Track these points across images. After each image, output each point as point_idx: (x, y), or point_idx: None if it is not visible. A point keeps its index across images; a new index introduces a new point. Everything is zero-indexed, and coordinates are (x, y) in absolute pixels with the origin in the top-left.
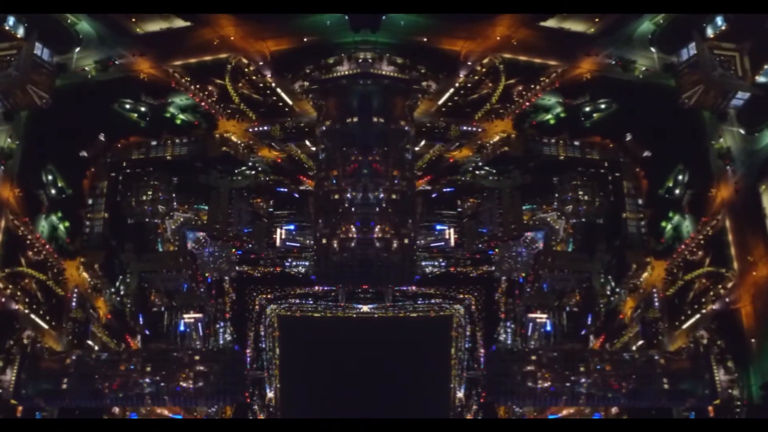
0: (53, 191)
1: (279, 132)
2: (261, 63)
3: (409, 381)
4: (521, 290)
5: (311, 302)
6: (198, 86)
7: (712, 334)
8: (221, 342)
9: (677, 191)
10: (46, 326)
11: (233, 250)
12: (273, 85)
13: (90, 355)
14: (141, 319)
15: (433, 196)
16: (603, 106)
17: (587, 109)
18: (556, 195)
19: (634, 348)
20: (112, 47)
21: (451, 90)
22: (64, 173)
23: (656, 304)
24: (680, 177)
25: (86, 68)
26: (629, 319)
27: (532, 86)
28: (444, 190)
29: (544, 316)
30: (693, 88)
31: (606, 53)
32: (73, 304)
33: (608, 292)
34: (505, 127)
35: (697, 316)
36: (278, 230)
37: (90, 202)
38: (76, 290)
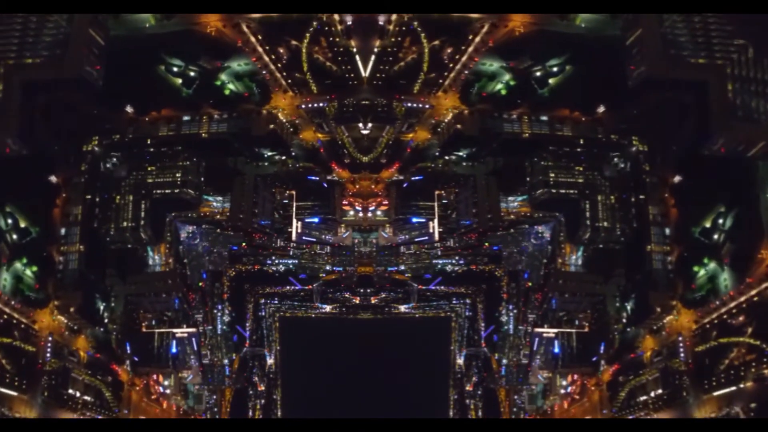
0: (15, 236)
1: (334, 110)
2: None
3: (409, 381)
4: (527, 299)
5: (276, 302)
6: (268, 47)
7: (750, 417)
8: (219, 326)
9: (715, 236)
10: (15, 393)
11: (243, 244)
12: (354, 50)
13: None
14: (128, 347)
15: (404, 186)
16: (555, 69)
17: (538, 73)
18: (528, 179)
19: (653, 394)
20: None
21: (372, 57)
22: (27, 210)
23: (682, 355)
24: (720, 221)
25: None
26: (648, 360)
27: (463, 47)
28: (413, 178)
29: (552, 331)
30: (634, 35)
31: None
32: (48, 355)
33: (624, 320)
34: (454, 101)
35: (733, 388)
36: (295, 223)
37: (63, 232)
38: (50, 339)
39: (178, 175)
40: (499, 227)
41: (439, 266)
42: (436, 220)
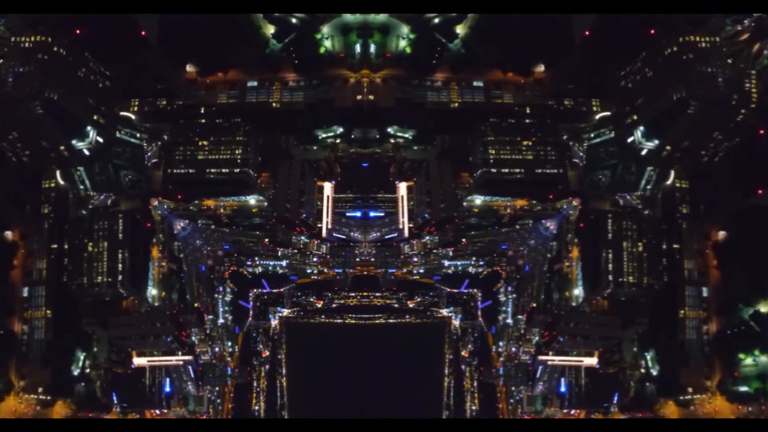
0: None
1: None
2: None
3: (406, 382)
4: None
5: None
6: None
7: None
8: (221, 311)
9: None
10: None
11: (265, 240)
12: None
13: None
14: (114, 397)
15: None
16: (453, 14)
17: (437, 20)
18: (470, 159)
19: None
20: None
21: None
22: None
23: None
24: None
25: None
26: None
27: None
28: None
29: (557, 359)
30: None
31: None
32: None
33: (642, 370)
34: (363, 70)
35: None
36: (327, 217)
37: (25, 294)
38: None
39: (238, 151)
40: (454, 218)
41: (459, 267)
42: (404, 215)
